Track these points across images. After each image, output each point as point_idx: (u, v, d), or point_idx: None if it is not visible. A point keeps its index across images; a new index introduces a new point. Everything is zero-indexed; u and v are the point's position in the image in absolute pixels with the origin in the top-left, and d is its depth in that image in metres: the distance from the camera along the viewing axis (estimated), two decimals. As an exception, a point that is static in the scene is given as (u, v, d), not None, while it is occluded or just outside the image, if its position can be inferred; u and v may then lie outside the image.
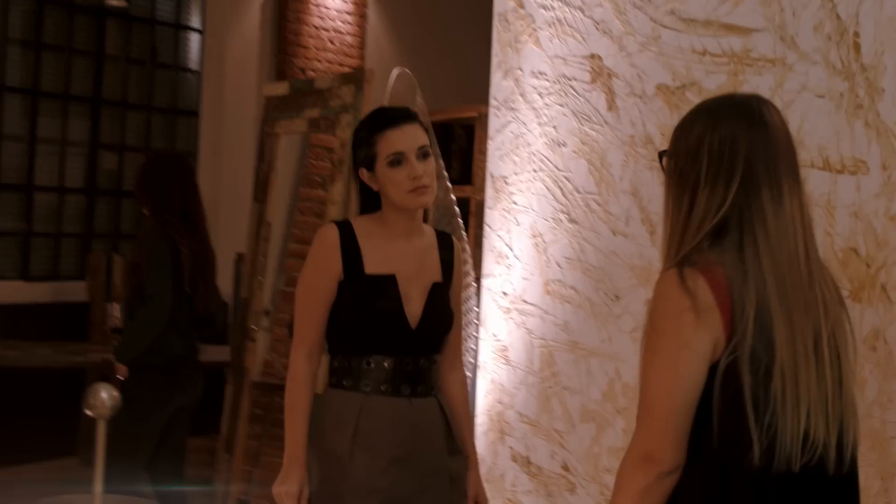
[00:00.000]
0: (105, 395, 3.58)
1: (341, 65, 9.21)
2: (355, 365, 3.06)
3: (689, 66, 3.62)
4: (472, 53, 10.91)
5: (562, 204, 3.86)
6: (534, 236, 3.93)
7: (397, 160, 3.03)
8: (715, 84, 3.57)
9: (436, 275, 3.15)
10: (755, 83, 3.51)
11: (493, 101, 4.02)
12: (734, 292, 2.02)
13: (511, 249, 3.97)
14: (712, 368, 2.04)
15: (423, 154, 3.06)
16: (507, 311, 3.96)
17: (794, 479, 2.03)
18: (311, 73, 8.83)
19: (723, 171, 2.09)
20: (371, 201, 3.14)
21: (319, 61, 9.10)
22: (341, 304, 3.07)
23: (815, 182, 3.43)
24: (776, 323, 2.02)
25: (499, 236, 4.00)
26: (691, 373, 2.04)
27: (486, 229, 4.06)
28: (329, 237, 3.09)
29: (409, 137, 3.05)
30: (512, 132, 3.99)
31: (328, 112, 5.04)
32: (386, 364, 3.05)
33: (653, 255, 3.65)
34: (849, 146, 3.38)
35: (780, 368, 2.01)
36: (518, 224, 3.97)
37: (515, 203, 3.97)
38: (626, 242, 3.71)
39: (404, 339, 3.06)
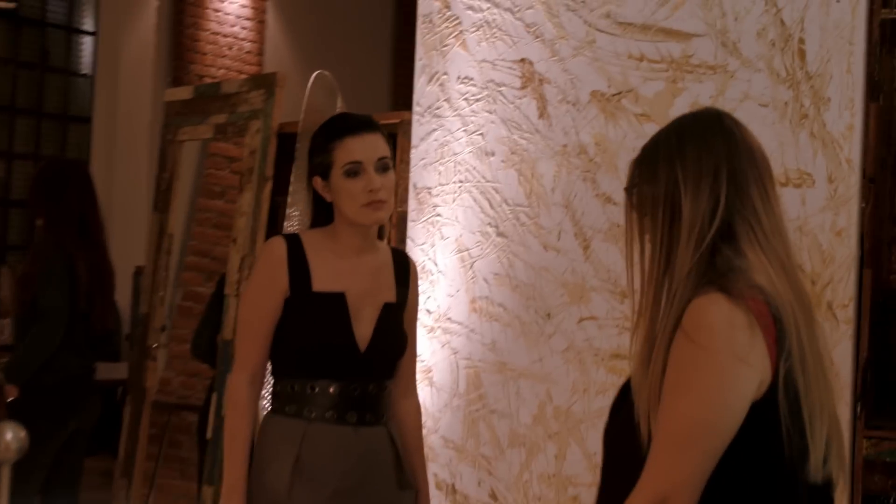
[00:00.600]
0: (10, 437, 3.27)
1: (240, 71, 8.92)
2: (299, 390, 2.84)
3: (625, 73, 3.45)
4: (377, 59, 10.77)
5: (489, 216, 3.65)
6: (460, 251, 3.72)
7: (354, 170, 2.83)
8: (652, 91, 3.41)
9: (389, 294, 2.95)
10: (695, 91, 3.36)
11: (416, 108, 3.81)
12: (775, 312, 1.87)
13: (435, 264, 3.76)
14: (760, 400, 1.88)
15: (383, 167, 2.86)
16: (431, 329, 3.74)
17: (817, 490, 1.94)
18: (209, 80, 8.52)
19: (704, 174, 1.92)
20: (323, 213, 2.94)
21: (217, 67, 8.82)
22: (286, 323, 2.85)
23: (757, 195, 3.28)
24: (803, 339, 1.89)
25: (422, 250, 3.79)
26: (745, 395, 1.85)
27: (409, 243, 3.84)
28: (275, 251, 2.87)
29: (369, 147, 2.85)
30: (437, 140, 3.78)
31: (236, 118, 4.78)
32: (332, 389, 2.83)
33: (586, 271, 3.47)
34: (793, 158, 3.25)
35: (808, 398, 1.90)
36: (443, 238, 3.76)
37: (440, 215, 3.76)
38: (557, 258, 3.52)
39: (352, 363, 2.85)
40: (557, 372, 3.51)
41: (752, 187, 1.93)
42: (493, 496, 3.63)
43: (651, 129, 3.41)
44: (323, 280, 2.87)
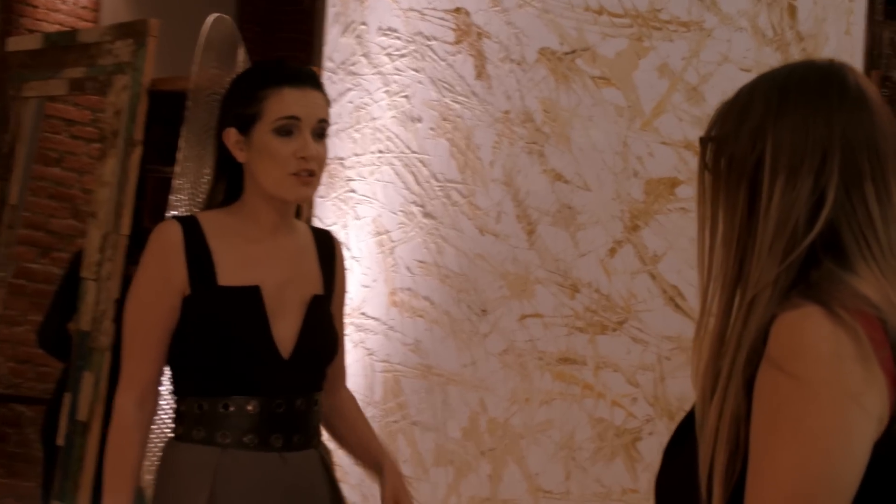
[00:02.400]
0: None
1: (73, 27, 8.25)
2: (208, 410, 2.33)
3: (580, 28, 2.96)
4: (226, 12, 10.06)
5: (415, 194, 3.12)
6: (378, 234, 3.18)
7: (288, 128, 2.33)
8: (613, 50, 2.94)
9: (315, 284, 2.45)
10: (664, 51, 2.91)
11: (327, 63, 3.25)
12: (889, 329, 1.38)
13: (348, 249, 3.21)
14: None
15: (321, 132, 2.38)
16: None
17: None
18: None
19: (807, 154, 1.44)
20: (227, 183, 2.42)
21: (50, 22, 8.13)
22: (187, 327, 2.34)
23: (737, 175, 2.83)
24: None
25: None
26: (866, 440, 1.36)
27: (316, 223, 3.28)
28: (168, 238, 2.35)
29: (310, 103, 2.36)
30: (352, 102, 3.23)
31: (97, 72, 4.17)
32: (250, 407, 2.33)
33: (530, 260, 2.97)
34: (780, 132, 2.81)
35: None
36: (357, 218, 3.22)
37: (354, 191, 3.22)
38: (496, 244, 3.01)
39: (274, 373, 2.35)
40: (493, 378, 3.01)
41: (867, 183, 1.44)
42: (414, 523, 3.11)
43: (611, 95, 2.94)
44: (231, 271, 2.36)
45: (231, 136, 2.36)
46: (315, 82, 2.40)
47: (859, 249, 1.42)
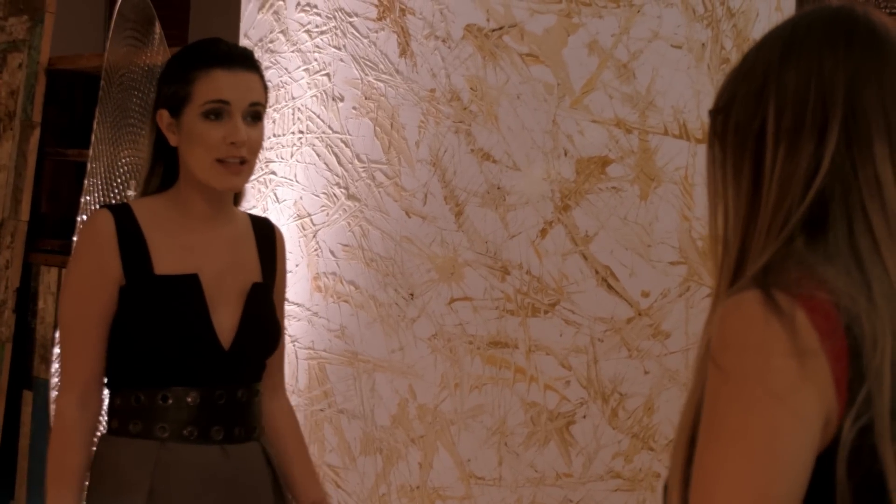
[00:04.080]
0: None
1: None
2: (146, 402, 2.24)
3: (507, 4, 2.87)
4: None
5: (338, 176, 3.01)
6: (299, 217, 3.06)
7: (216, 111, 2.22)
8: (542, 27, 2.85)
9: (254, 273, 2.37)
10: (593, 28, 2.83)
11: (244, 41, 3.11)
12: (853, 326, 1.22)
13: (269, 234, 3.08)
14: (823, 454, 1.24)
15: (254, 115, 2.27)
16: (263, 312, 3.08)
17: None
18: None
19: (808, 115, 1.28)
20: (162, 167, 2.31)
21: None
22: (123, 318, 2.24)
23: (668, 153, 2.79)
24: None
25: (250, 216, 3.11)
26: (796, 448, 1.21)
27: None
28: (100, 228, 2.23)
29: (242, 86, 2.25)
30: (270, 81, 3.09)
31: (-9, 51, 3.94)
32: (189, 399, 2.25)
33: (459, 242, 2.89)
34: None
35: None
36: (278, 201, 3.09)
37: (274, 174, 3.09)
38: (423, 226, 2.92)
39: (214, 363, 2.26)
40: (422, 363, 2.92)
41: (877, 142, 1.27)
42: (342, 513, 3.01)
43: (539, 73, 2.86)
44: (167, 260, 2.26)
45: (164, 117, 2.25)
46: (250, 64, 2.29)
47: (848, 222, 1.27)
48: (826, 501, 1.23)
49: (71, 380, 2.24)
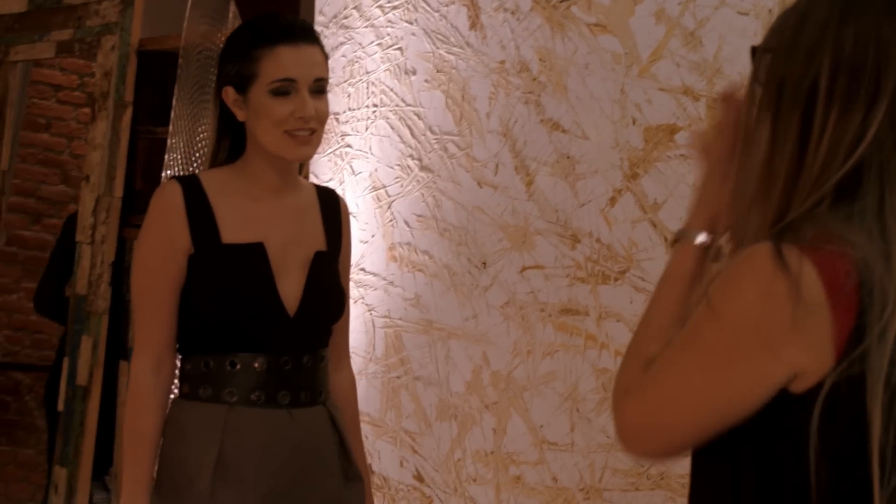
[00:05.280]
0: None
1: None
2: (215, 367, 2.29)
3: (575, -26, 2.89)
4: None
5: (411, 147, 3.07)
6: (375, 188, 3.13)
7: (285, 90, 2.27)
8: (609, -3, 2.86)
9: (318, 242, 2.40)
10: (660, -5, 2.82)
11: (319, 17, 3.18)
12: (865, 284, 1.26)
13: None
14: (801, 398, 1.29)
15: (319, 89, 2.31)
16: (341, 282, 3.15)
17: None
18: None
19: (863, 82, 1.29)
20: (230, 141, 2.37)
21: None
22: (192, 286, 2.29)
23: (737, 120, 2.78)
24: None
25: (327, 189, 3.18)
26: (754, 391, 1.29)
27: (312, 179, 3.22)
28: (169, 199, 2.29)
29: (306, 62, 2.28)
30: (345, 56, 3.16)
31: (84, 33, 4.06)
32: (257, 364, 2.29)
33: (529, 211, 2.92)
34: (780, 75, 2.75)
35: None
36: (354, 173, 3.16)
37: (350, 146, 3.16)
38: (494, 196, 2.96)
39: (280, 330, 2.30)
40: (495, 331, 2.97)
41: None
42: (419, 477, 3.08)
43: (607, 43, 2.88)
44: (234, 229, 2.31)
45: (230, 94, 2.31)
46: (311, 37, 2.33)
47: (878, 189, 1.29)
48: (797, 445, 1.28)
49: (144, 346, 2.32)
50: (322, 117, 2.31)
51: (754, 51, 1.39)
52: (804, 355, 1.26)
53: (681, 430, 1.35)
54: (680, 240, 1.49)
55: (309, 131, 2.27)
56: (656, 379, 1.36)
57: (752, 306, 1.26)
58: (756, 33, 2.76)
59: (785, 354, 1.26)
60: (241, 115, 2.30)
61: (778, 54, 1.34)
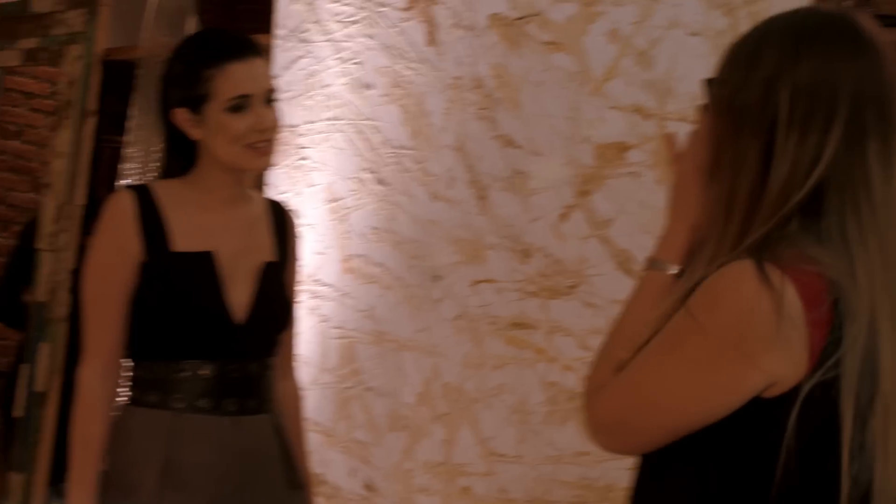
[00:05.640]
0: None
1: None
2: (163, 374, 2.32)
3: (531, -7, 2.93)
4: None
5: (368, 160, 3.10)
6: (331, 200, 3.16)
7: (242, 105, 2.30)
8: (563, 15, 2.92)
9: (268, 252, 2.43)
10: (613, 16, 2.88)
11: (278, 31, 3.22)
12: (839, 301, 1.37)
13: (301, 217, 3.18)
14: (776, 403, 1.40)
15: (270, 100, 2.35)
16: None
17: None
18: None
19: (819, 109, 1.40)
20: (182, 156, 2.39)
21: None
22: (142, 293, 2.32)
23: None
24: (882, 341, 1.37)
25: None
26: (728, 398, 1.40)
27: (269, 191, 3.25)
28: (121, 207, 2.32)
29: (259, 76, 2.33)
30: (303, 70, 3.20)
31: (50, 42, 4.09)
32: (204, 372, 2.31)
33: (482, 226, 2.97)
34: (729, 96, 2.80)
35: (883, 403, 1.37)
36: (310, 185, 3.20)
37: (307, 159, 3.19)
38: (448, 209, 3.00)
39: (228, 338, 2.33)
40: (446, 343, 3.01)
41: (871, 140, 1.41)
42: (370, 487, 3.11)
43: (561, 61, 2.93)
44: (185, 238, 2.34)
45: (181, 116, 2.33)
46: (257, 50, 2.37)
47: (841, 209, 1.39)
48: (768, 443, 1.39)
49: (93, 352, 2.33)
50: (276, 126, 2.35)
51: (710, 82, 1.49)
52: (782, 366, 1.36)
53: (654, 429, 1.44)
54: (651, 268, 1.58)
55: (267, 142, 2.32)
56: (634, 380, 1.45)
57: (736, 320, 1.36)
58: (707, 54, 2.81)
59: (765, 365, 1.36)
60: (195, 134, 2.33)
61: (735, 85, 1.44)
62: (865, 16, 1.49)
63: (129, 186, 2.40)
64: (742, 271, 1.37)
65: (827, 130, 1.39)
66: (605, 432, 1.49)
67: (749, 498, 1.40)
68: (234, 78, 2.30)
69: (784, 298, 1.35)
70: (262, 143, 2.32)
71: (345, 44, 3.14)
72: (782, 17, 1.49)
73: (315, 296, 3.19)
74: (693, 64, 2.83)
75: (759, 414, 1.38)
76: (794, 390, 1.37)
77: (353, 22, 3.13)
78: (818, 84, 1.40)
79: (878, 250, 1.39)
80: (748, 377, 1.37)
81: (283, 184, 3.25)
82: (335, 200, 3.16)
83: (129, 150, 3.49)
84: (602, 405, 1.48)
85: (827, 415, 1.36)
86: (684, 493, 1.45)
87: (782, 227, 1.40)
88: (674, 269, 1.55)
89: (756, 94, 1.42)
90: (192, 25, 3.42)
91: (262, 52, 2.38)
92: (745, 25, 2.76)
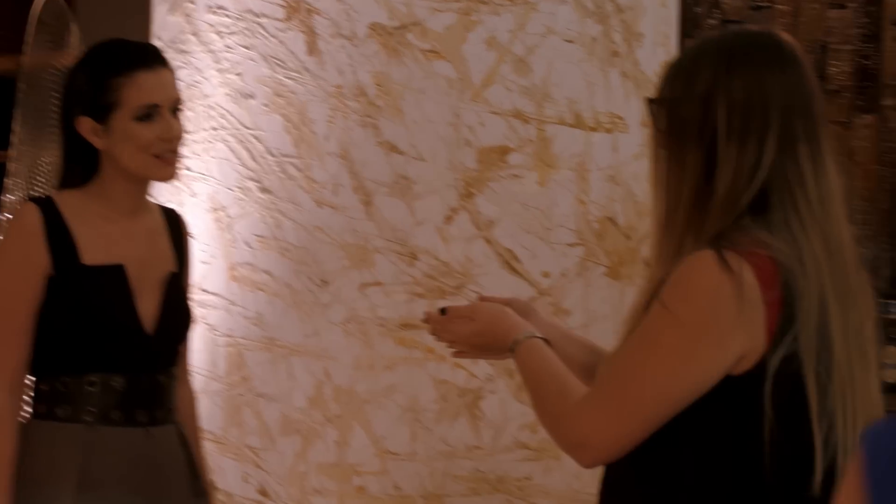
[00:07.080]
0: None
1: None
2: (73, 387, 2.33)
3: (409, 3, 3.02)
4: None
5: (250, 169, 3.14)
6: (214, 209, 3.18)
7: (150, 114, 2.31)
8: (442, 25, 3.02)
9: (170, 262, 2.48)
10: (491, 25, 3.00)
11: (155, 42, 3.21)
12: (788, 281, 1.56)
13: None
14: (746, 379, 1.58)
15: (177, 110, 2.41)
16: (182, 303, 3.19)
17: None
18: None
19: (754, 120, 1.60)
20: (81, 166, 2.36)
21: None
22: (52, 307, 2.33)
23: (564, 142, 2.98)
24: (831, 316, 1.57)
25: (166, 211, 3.21)
26: (707, 380, 1.57)
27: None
28: (27, 221, 2.33)
29: (167, 86, 2.39)
30: (182, 81, 3.20)
31: None
32: (115, 383, 2.34)
33: (368, 231, 3.04)
34: (603, 100, 2.98)
35: (838, 372, 1.58)
36: (193, 195, 3.21)
37: (189, 169, 3.20)
38: (334, 215, 3.06)
39: (139, 350, 2.37)
40: (336, 347, 3.06)
41: (801, 144, 1.61)
42: (263, 492, 3.14)
43: (441, 68, 3.03)
44: (93, 251, 2.36)
45: (85, 125, 2.34)
46: (164, 59, 2.41)
47: (783, 206, 1.57)
48: (752, 419, 1.55)
49: (1, 367, 2.32)
50: (182, 136, 2.39)
51: (651, 101, 1.67)
52: (746, 343, 1.54)
53: (644, 424, 1.57)
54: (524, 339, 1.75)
55: (173, 152, 2.34)
56: (618, 384, 1.60)
57: (707, 304, 1.54)
58: (582, 60, 2.96)
59: (732, 344, 1.54)
60: (99, 144, 2.34)
61: (675, 102, 1.63)
62: (786, 34, 1.70)
63: (33, 199, 2.39)
64: (704, 260, 1.54)
65: (762, 139, 1.58)
66: (597, 442, 1.59)
67: (730, 472, 1.56)
68: (143, 87, 2.32)
69: (744, 281, 1.52)
70: (168, 153, 2.35)
71: (224, 54, 3.16)
72: (714, 37, 1.74)
73: (202, 305, 3.20)
74: (569, 70, 2.96)
75: (732, 392, 1.55)
76: (760, 366, 1.54)
77: (232, 33, 3.15)
78: (751, 97, 1.59)
79: (821, 239, 1.57)
80: (720, 357, 1.54)
81: (165, 195, 3.25)
82: (219, 209, 3.18)
83: (13, 166, 3.43)
84: (589, 417, 1.60)
85: (791, 386, 1.53)
86: (661, 477, 1.58)
87: (736, 222, 1.57)
88: (538, 334, 1.75)
89: (695, 109, 1.60)
90: (74, 39, 3.38)
91: (168, 62, 2.41)
92: (617, 32, 2.92)
